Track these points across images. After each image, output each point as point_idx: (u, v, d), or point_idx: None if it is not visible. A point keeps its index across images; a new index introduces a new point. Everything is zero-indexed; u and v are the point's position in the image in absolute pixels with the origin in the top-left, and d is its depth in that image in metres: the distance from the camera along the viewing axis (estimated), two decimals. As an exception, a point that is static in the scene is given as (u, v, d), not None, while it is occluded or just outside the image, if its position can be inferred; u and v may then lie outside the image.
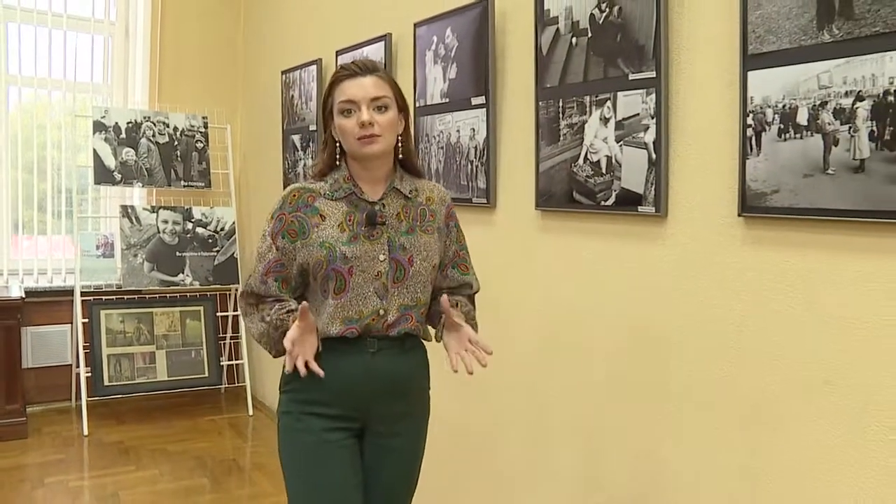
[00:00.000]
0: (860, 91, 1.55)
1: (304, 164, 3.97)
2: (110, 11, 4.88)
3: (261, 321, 1.76)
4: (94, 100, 4.82)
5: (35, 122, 4.74)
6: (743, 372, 1.81)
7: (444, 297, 1.72)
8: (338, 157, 1.78)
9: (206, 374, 4.63)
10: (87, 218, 4.71)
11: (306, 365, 1.62)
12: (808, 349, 1.67)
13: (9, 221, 4.59)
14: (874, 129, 1.53)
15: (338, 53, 3.58)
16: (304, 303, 1.63)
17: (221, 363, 4.79)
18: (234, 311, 4.83)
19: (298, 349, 1.61)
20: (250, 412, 4.59)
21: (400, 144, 1.78)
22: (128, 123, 4.49)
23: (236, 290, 4.75)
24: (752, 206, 1.77)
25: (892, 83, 1.50)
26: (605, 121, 2.11)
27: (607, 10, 2.10)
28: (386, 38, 3.19)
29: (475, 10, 2.59)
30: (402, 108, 1.77)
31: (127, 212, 4.45)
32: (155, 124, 4.56)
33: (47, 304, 4.53)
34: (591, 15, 2.14)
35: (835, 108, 1.60)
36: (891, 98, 1.50)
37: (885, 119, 1.52)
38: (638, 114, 2.02)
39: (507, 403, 2.57)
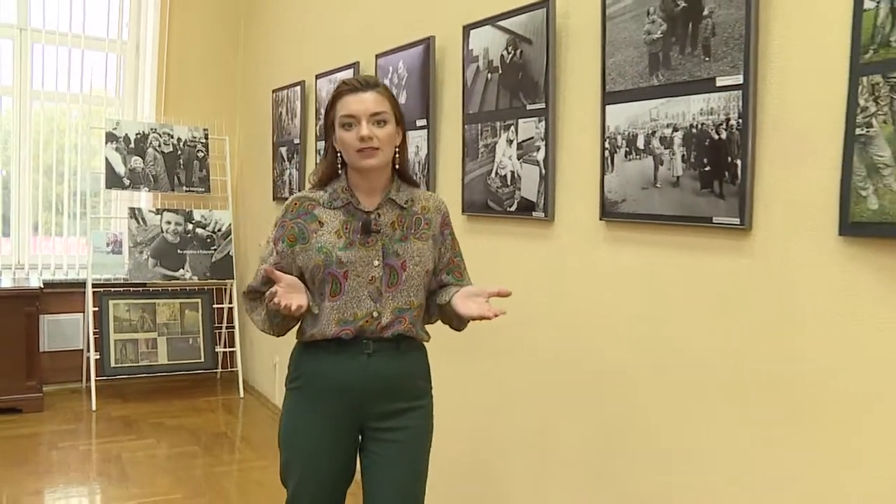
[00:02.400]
0: (675, 124, 2.03)
1: (290, 174, 4.48)
2: (123, 32, 5.38)
3: (263, 309, 1.89)
4: (107, 112, 5.34)
5: (55, 133, 5.28)
6: (606, 346, 2.29)
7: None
8: (339, 166, 1.87)
9: (203, 360, 5.16)
10: (98, 218, 5.26)
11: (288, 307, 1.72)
12: (648, 325, 2.15)
13: (30, 220, 5.14)
14: (685, 153, 2.02)
15: (317, 77, 4.09)
16: (267, 266, 1.78)
17: (216, 350, 5.31)
18: (228, 303, 5.34)
19: (281, 294, 1.73)
20: (241, 395, 5.11)
21: (397, 156, 1.87)
22: (137, 134, 5.03)
23: (231, 284, 5.27)
24: (609, 211, 2.25)
25: (694, 119, 1.98)
26: (510, 142, 2.60)
27: (513, 52, 2.59)
28: (355, 65, 3.70)
29: (420, 47, 3.10)
30: (400, 122, 1.86)
31: (134, 213, 4.98)
32: (161, 135, 5.09)
33: (63, 294, 5.06)
34: (502, 55, 2.64)
35: (660, 137, 2.08)
36: (694, 130, 1.98)
37: (691, 145, 2.00)
38: (532, 137, 2.51)
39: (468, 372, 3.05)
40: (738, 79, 1.87)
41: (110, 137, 4.95)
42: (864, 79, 1.61)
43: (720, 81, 1.91)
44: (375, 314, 1.82)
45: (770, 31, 1.83)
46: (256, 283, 1.91)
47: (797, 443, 1.75)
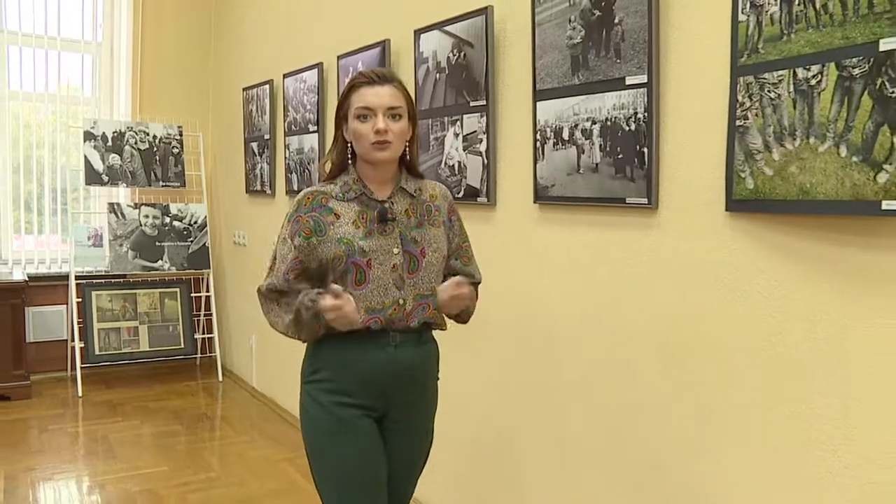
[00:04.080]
0: (594, 117, 2.33)
1: (261, 168, 4.74)
2: (97, 34, 5.58)
3: (287, 312, 1.84)
4: (84, 111, 5.55)
5: (34, 133, 5.49)
6: (540, 311, 2.60)
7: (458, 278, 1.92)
8: (349, 157, 1.88)
9: (182, 346, 5.43)
10: (79, 213, 5.48)
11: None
12: (575, 293, 2.45)
13: (11, 218, 5.35)
14: (602, 143, 2.31)
15: (284, 76, 4.35)
16: (336, 286, 1.73)
17: (195, 337, 5.56)
18: (206, 292, 5.57)
19: (342, 303, 1.73)
20: (220, 378, 5.38)
21: (407, 150, 1.90)
22: (113, 132, 5.25)
23: (208, 274, 5.51)
24: (541, 195, 2.54)
25: (609, 113, 2.28)
26: (457, 136, 2.89)
27: (457, 54, 2.88)
28: (319, 65, 3.96)
29: (377, 49, 3.37)
30: (412, 117, 1.89)
31: (113, 208, 5.21)
32: (137, 133, 5.32)
33: (47, 287, 5.28)
34: (448, 57, 2.92)
35: (582, 129, 2.38)
36: (609, 122, 2.28)
37: (606, 136, 2.29)
38: (476, 130, 2.80)
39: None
40: (643, 78, 2.16)
41: (88, 136, 5.17)
42: (741, 79, 1.91)
43: (629, 80, 2.20)
44: (401, 301, 1.85)
45: (668, 38, 2.12)
46: (281, 284, 1.87)
47: (706, 390, 2.07)
